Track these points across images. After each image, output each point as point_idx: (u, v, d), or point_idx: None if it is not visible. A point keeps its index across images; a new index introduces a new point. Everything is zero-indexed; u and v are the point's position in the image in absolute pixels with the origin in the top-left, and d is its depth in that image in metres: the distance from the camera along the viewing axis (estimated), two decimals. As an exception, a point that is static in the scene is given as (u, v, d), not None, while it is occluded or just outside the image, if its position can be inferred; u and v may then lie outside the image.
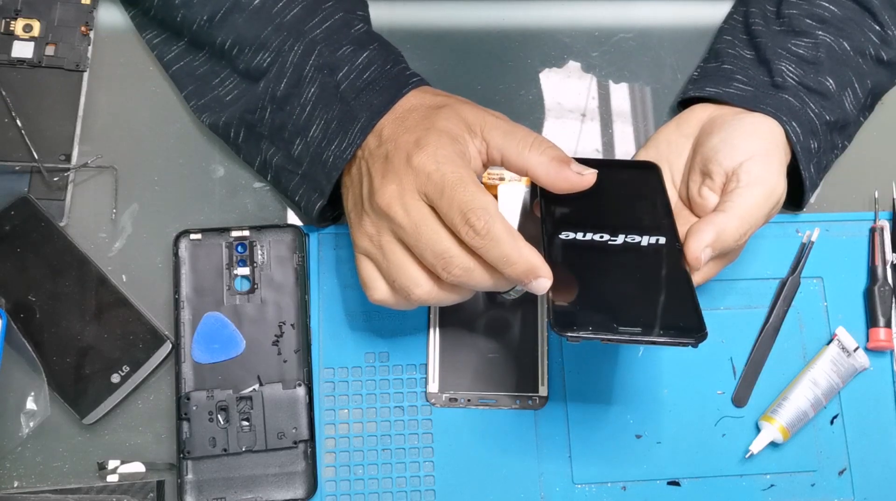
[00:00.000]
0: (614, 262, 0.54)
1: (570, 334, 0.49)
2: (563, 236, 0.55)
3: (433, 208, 0.52)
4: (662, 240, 0.55)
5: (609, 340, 0.50)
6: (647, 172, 0.60)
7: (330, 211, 0.64)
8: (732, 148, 0.59)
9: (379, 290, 0.55)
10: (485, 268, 0.52)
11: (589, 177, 0.54)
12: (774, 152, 0.59)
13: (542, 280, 0.51)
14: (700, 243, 0.55)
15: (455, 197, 0.51)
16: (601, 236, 0.55)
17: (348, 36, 0.60)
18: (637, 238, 0.55)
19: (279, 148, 0.61)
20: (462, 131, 0.54)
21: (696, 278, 0.57)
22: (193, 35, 0.63)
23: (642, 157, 0.64)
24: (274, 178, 0.63)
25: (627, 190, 0.59)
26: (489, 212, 0.50)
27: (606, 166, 0.63)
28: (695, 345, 0.49)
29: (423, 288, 0.53)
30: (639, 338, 0.49)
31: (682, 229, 0.58)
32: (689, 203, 0.61)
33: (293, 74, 0.59)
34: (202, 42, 0.63)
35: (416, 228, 0.52)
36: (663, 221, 0.56)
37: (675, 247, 0.55)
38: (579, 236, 0.55)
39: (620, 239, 0.55)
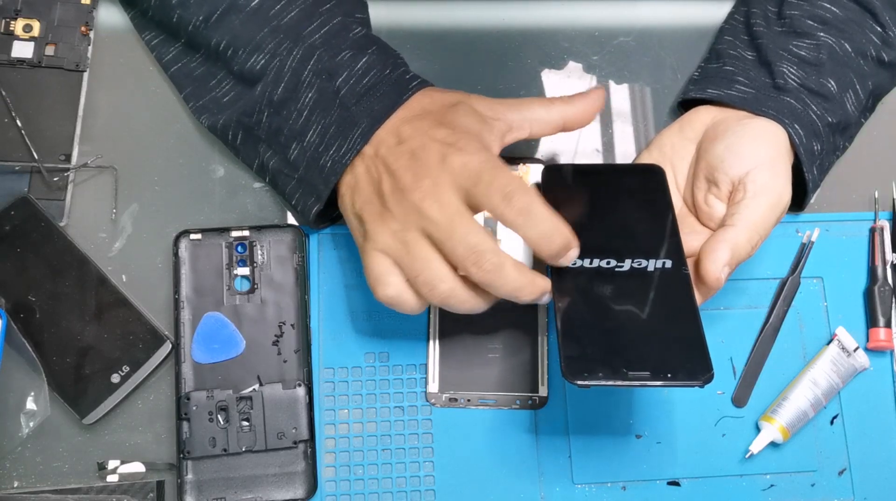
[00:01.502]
0: (622, 293, 0.54)
1: (580, 382, 0.50)
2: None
3: (468, 199, 0.53)
4: (669, 263, 0.55)
5: (619, 386, 0.51)
6: (650, 177, 0.60)
7: (328, 213, 0.63)
8: (738, 156, 0.59)
9: (392, 285, 0.54)
10: (514, 266, 0.52)
11: (601, 89, 0.60)
12: (780, 160, 0.59)
13: (573, 250, 0.53)
14: (718, 265, 0.56)
15: (494, 182, 0.52)
16: (608, 263, 0.55)
17: (347, 40, 0.59)
18: (644, 262, 0.55)
19: (276, 152, 0.61)
20: (482, 125, 0.56)
21: (710, 292, 0.57)
22: (189, 36, 0.63)
23: (645, 159, 0.64)
24: (271, 181, 0.63)
25: (632, 200, 0.59)
26: (528, 192, 0.52)
27: (609, 172, 0.63)
28: (701, 386, 0.50)
29: (447, 284, 0.53)
30: (647, 383, 0.50)
31: (688, 240, 0.58)
32: (694, 210, 0.61)
33: (291, 78, 0.59)
34: (198, 43, 0.63)
35: (450, 222, 0.52)
36: (669, 239, 0.57)
37: (682, 272, 0.55)
38: (586, 263, 0.55)
39: (627, 264, 0.55)
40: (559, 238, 0.52)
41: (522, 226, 0.52)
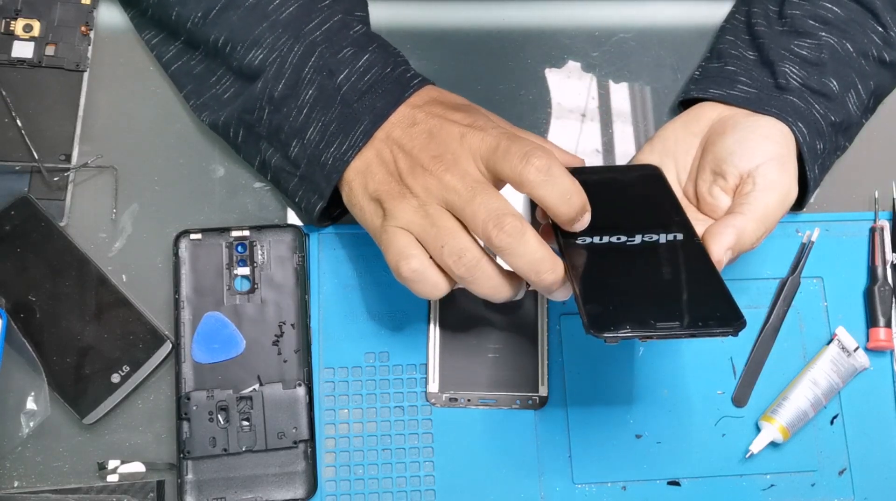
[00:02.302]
0: (637, 260, 0.53)
1: (607, 334, 0.48)
2: (579, 241, 0.54)
3: (489, 169, 0.53)
4: (680, 236, 0.54)
5: (648, 337, 0.48)
6: (649, 175, 0.60)
7: (330, 211, 0.63)
8: (748, 150, 0.59)
9: (416, 258, 0.53)
10: (536, 237, 0.52)
11: (581, 160, 0.63)
12: (789, 157, 0.60)
13: (588, 213, 0.53)
14: (722, 246, 0.55)
15: (511, 146, 0.52)
16: (618, 238, 0.54)
17: (348, 38, 0.60)
18: (654, 236, 0.54)
19: (277, 149, 0.61)
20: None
21: None
22: (188, 33, 0.63)
23: (647, 152, 0.64)
24: (273, 178, 0.63)
25: (634, 192, 0.59)
26: (549, 153, 0.52)
27: (608, 173, 0.63)
28: (735, 334, 0.48)
29: (473, 252, 0.52)
30: (678, 332, 0.48)
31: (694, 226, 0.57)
32: (696, 201, 0.61)
33: (292, 75, 0.59)
34: (197, 40, 0.63)
35: (471, 189, 0.52)
36: (676, 218, 0.56)
37: (694, 241, 0.54)
38: (596, 239, 0.54)
39: (638, 239, 0.54)
40: (577, 198, 0.52)
41: (542, 185, 0.51)
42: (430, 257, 0.54)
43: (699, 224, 0.59)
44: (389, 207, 0.55)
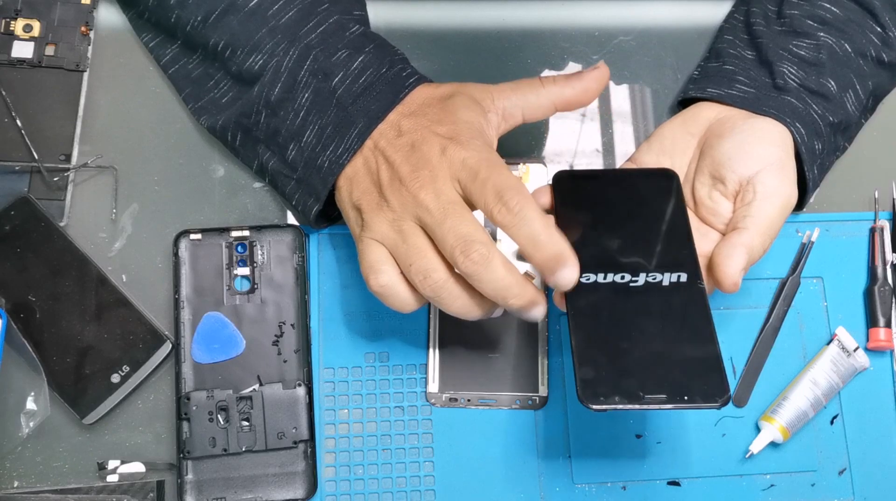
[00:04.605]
0: (637, 311, 0.54)
1: (596, 406, 0.50)
2: (584, 278, 0.54)
3: (465, 194, 0.53)
4: (684, 277, 0.55)
5: (635, 410, 0.51)
6: (664, 182, 0.60)
7: (328, 213, 0.63)
8: (746, 156, 0.59)
9: (385, 274, 0.54)
10: (504, 264, 0.52)
11: (603, 68, 0.59)
12: (787, 161, 0.59)
13: (568, 270, 0.51)
14: (737, 270, 0.55)
15: (490, 178, 0.52)
16: (622, 278, 0.54)
17: (343, 39, 0.60)
18: (658, 276, 0.54)
19: (274, 152, 0.61)
20: (481, 115, 0.56)
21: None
22: (187, 36, 0.63)
23: (645, 151, 0.63)
24: (271, 181, 0.63)
25: (646, 208, 0.58)
26: (522, 193, 0.51)
27: (622, 178, 0.62)
28: (719, 408, 0.50)
29: (439, 274, 0.53)
30: (664, 406, 0.50)
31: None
32: (694, 204, 0.61)
33: (287, 79, 0.59)
34: (196, 44, 0.63)
35: (443, 210, 0.52)
36: (685, 250, 0.56)
37: (698, 286, 0.54)
38: (600, 278, 0.54)
39: (642, 279, 0.54)
40: (550, 246, 0.51)
41: (511, 226, 0.51)
42: (402, 273, 0.54)
43: (704, 240, 0.58)
44: (367, 218, 0.55)
